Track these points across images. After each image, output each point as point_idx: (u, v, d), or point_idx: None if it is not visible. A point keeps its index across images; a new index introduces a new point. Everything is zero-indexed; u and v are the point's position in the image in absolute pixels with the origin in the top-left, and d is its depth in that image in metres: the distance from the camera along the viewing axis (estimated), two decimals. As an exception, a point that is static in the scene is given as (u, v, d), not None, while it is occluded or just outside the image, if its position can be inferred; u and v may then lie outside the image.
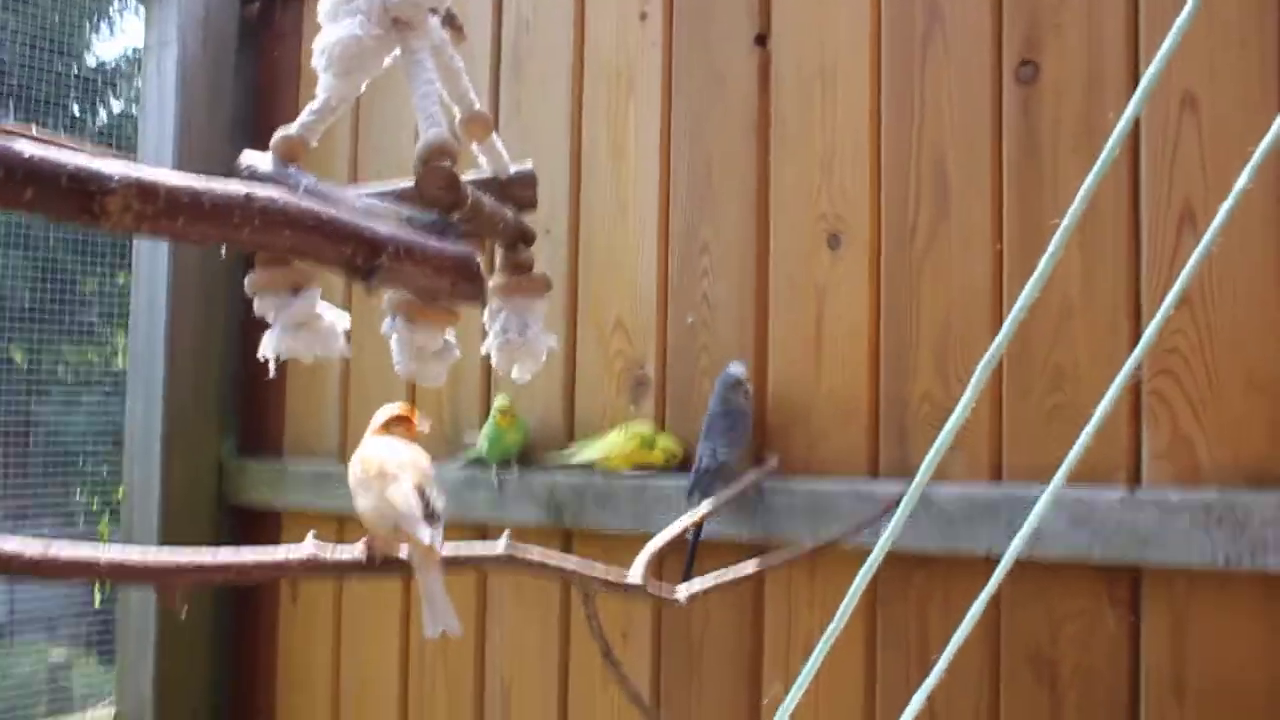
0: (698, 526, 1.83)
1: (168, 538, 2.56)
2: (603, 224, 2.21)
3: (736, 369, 1.88)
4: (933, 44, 1.88)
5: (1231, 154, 1.62)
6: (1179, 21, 1.12)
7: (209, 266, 2.63)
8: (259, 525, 2.68)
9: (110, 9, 3.00)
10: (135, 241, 2.70)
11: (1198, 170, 1.65)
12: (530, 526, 2.17)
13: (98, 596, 3.10)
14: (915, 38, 1.90)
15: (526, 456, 2.19)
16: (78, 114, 3.45)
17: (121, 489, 2.67)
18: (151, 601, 2.52)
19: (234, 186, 0.74)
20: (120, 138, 2.69)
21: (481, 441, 2.17)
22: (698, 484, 1.88)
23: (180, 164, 2.57)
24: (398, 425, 1.36)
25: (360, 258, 0.80)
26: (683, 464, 2.01)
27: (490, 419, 2.14)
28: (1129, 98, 1.63)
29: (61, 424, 2.69)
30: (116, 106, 3.77)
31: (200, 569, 1.12)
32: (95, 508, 2.92)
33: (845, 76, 1.97)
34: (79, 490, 2.99)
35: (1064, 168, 1.76)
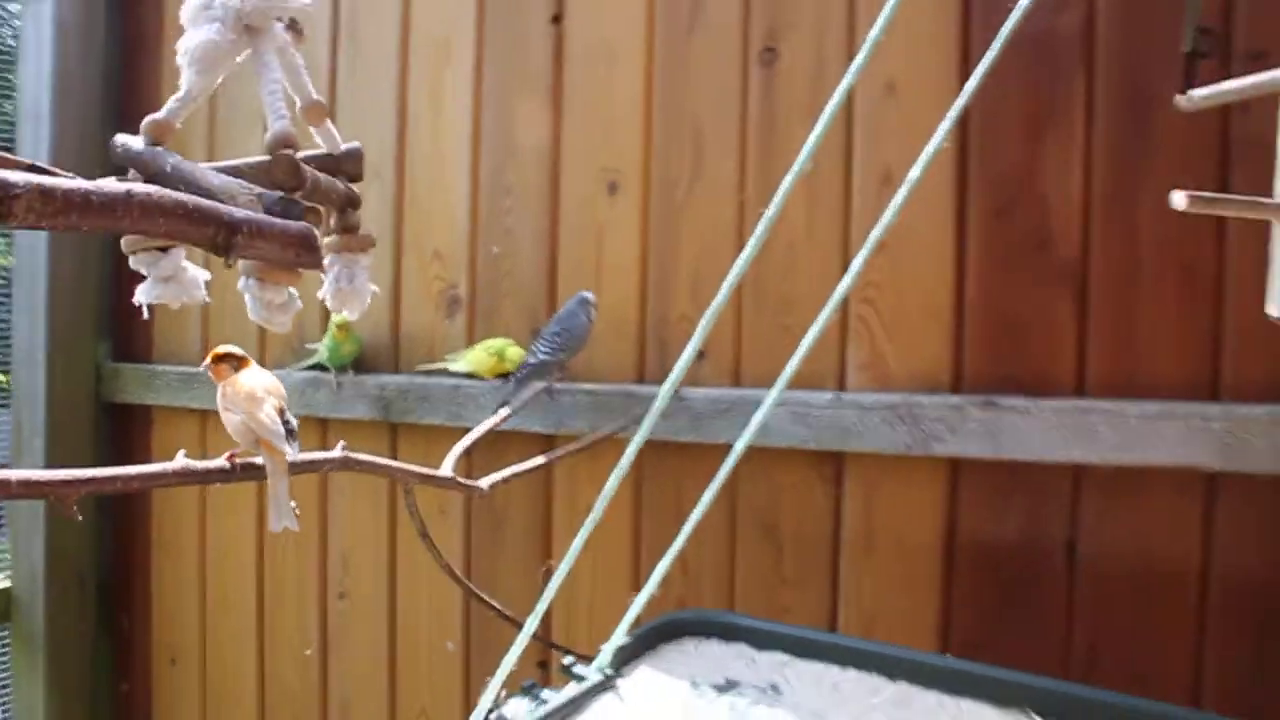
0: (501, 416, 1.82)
1: (52, 432, 2.47)
2: (424, 170, 2.17)
3: (590, 295, 1.85)
4: (695, 31, 1.89)
5: (921, 129, 1.69)
6: (880, 19, 1.21)
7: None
8: (132, 420, 2.60)
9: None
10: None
11: (895, 141, 1.72)
12: (364, 420, 2.16)
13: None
14: (681, 25, 1.91)
15: (360, 363, 2.17)
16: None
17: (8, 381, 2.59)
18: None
19: (117, 185, 0.76)
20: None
21: (322, 350, 2.14)
22: (519, 377, 1.85)
23: (56, 109, 2.46)
24: (227, 360, 1.36)
25: (220, 236, 0.83)
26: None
27: (329, 331, 2.12)
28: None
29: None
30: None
31: (94, 480, 1.13)
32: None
33: (625, 54, 1.96)
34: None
35: (795, 136, 1.80)
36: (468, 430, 1.82)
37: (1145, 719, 1.21)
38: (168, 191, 0.84)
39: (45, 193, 0.72)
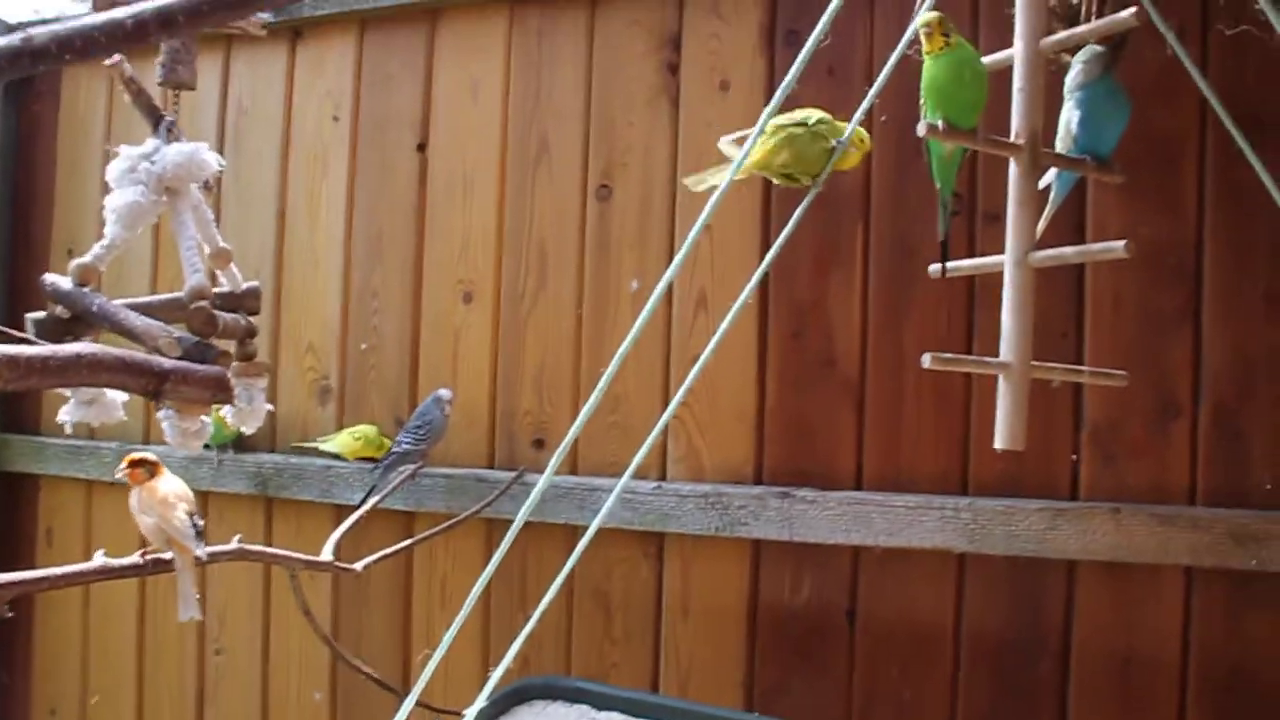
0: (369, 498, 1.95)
1: None
2: (300, 270, 2.27)
3: (445, 393, 1.98)
4: (541, 165, 2.05)
5: (731, 262, 1.90)
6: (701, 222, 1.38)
7: None
8: (21, 488, 2.60)
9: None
10: None
11: (709, 270, 1.90)
12: (243, 494, 2.24)
13: None
14: (530, 160, 2.06)
15: (239, 443, 2.24)
16: None
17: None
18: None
19: (69, 349, 0.89)
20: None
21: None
22: (385, 464, 1.97)
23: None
24: (142, 466, 1.46)
25: (152, 385, 0.96)
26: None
27: (212, 415, 2.21)
28: (670, 217, 1.93)
29: None
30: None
31: (24, 583, 1.24)
32: None
33: (480, 182, 2.10)
34: None
35: (626, 260, 1.97)
36: (337, 506, 1.95)
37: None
38: (110, 350, 0.97)
39: (13, 361, 0.86)
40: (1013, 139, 1.31)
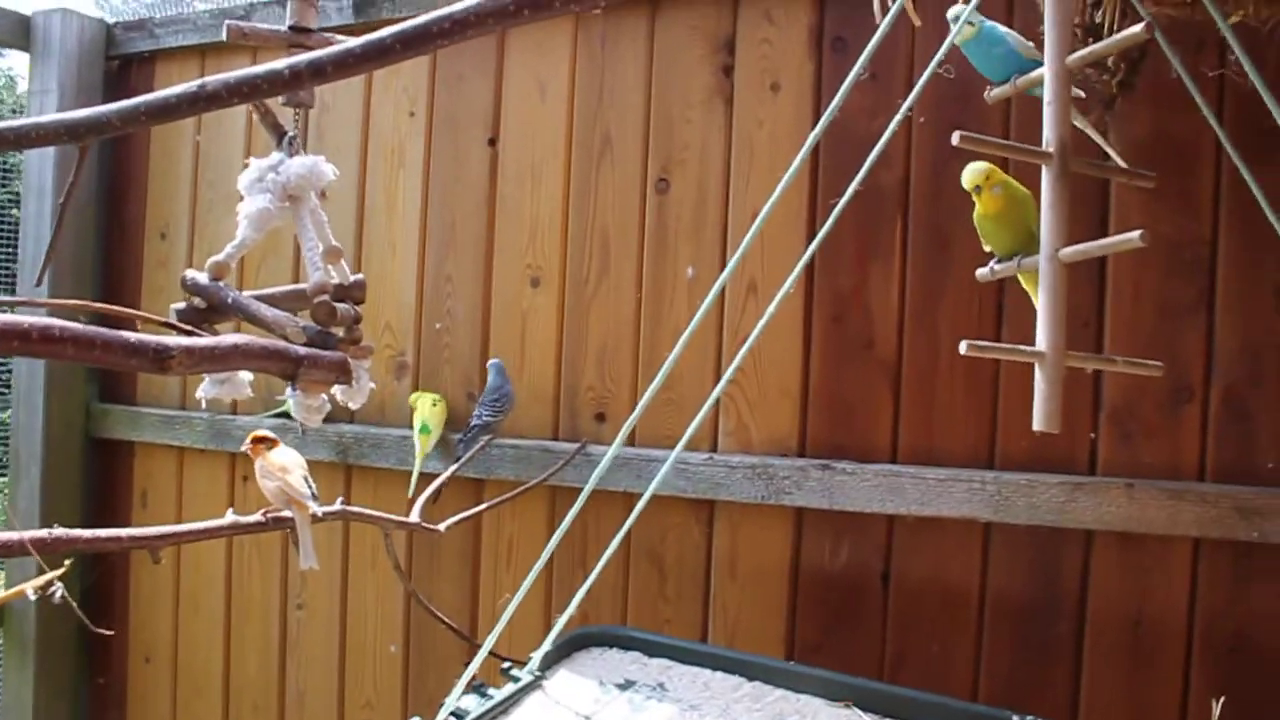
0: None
1: (47, 462, 2.68)
2: (379, 255, 2.42)
3: (498, 361, 2.15)
4: (604, 160, 2.19)
5: (779, 249, 2.03)
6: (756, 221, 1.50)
7: (79, 252, 2.73)
8: (117, 454, 2.79)
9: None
10: (21, 229, 2.77)
11: (758, 258, 2.04)
12: (324, 462, 2.40)
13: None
14: (593, 154, 2.20)
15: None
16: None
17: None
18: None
19: (227, 339, 1.05)
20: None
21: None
22: (466, 436, 2.13)
23: (57, 184, 2.68)
24: (262, 441, 1.63)
25: (289, 369, 1.13)
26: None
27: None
28: (724, 210, 2.06)
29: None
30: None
31: (176, 535, 1.40)
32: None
33: (547, 174, 2.24)
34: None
35: (682, 249, 2.11)
36: (410, 473, 2.11)
37: (935, 710, 1.52)
38: (257, 339, 1.15)
39: (189, 350, 1.03)
40: (1044, 147, 1.44)
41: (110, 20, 2.82)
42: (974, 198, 1.44)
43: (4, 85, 3.05)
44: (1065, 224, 1.45)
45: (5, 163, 2.91)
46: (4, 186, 2.87)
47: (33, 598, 1.11)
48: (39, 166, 2.71)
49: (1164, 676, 1.76)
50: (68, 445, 2.75)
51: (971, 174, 1.43)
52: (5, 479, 2.78)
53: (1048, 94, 1.45)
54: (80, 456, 2.79)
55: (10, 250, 2.82)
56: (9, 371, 2.75)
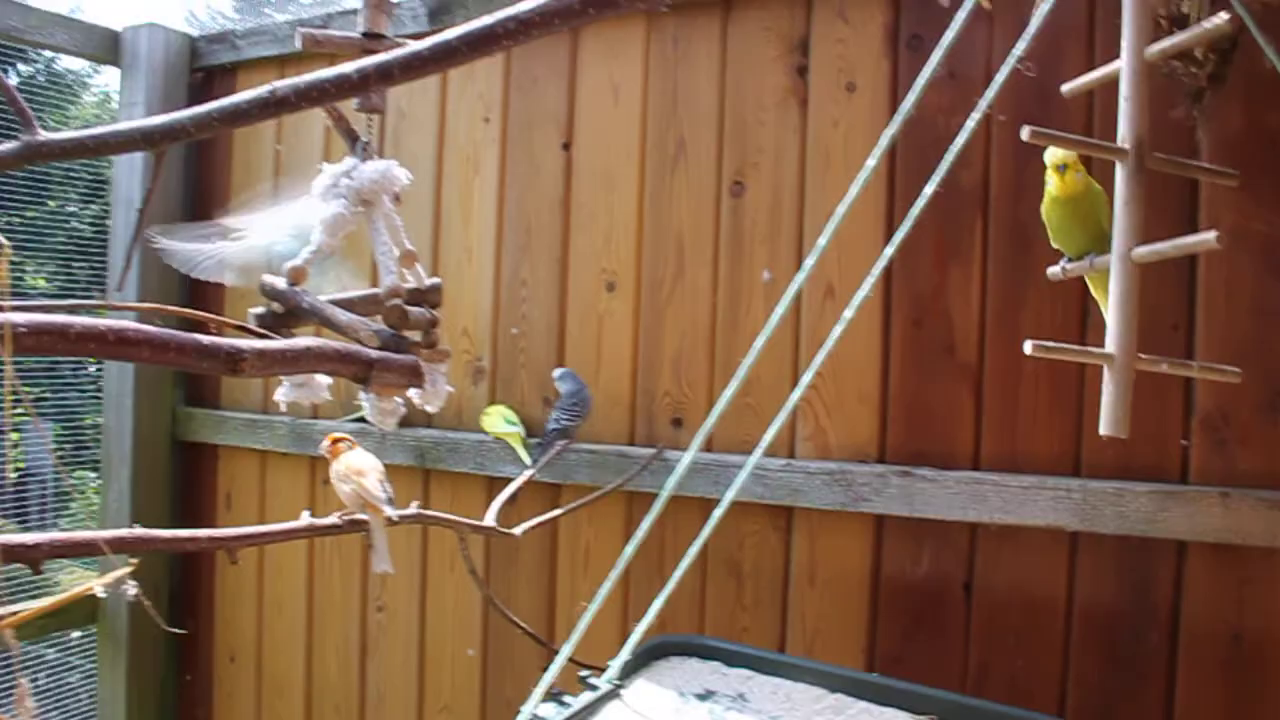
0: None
1: (136, 464, 2.74)
2: (456, 261, 2.42)
3: (568, 369, 2.17)
4: (678, 163, 2.17)
5: (856, 252, 1.98)
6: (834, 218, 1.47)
7: (169, 269, 2.78)
8: (202, 457, 2.85)
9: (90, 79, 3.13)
10: (111, 238, 2.83)
11: (835, 262, 2.01)
12: (402, 466, 2.41)
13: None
14: (668, 157, 2.18)
15: (401, 419, 2.43)
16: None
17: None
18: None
19: (300, 342, 1.06)
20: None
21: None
22: (544, 440, 2.13)
23: (145, 187, 2.73)
24: (340, 443, 1.64)
25: (362, 372, 1.13)
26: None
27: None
28: (799, 213, 2.03)
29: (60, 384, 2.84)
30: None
31: (255, 536, 1.42)
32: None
33: (621, 178, 2.23)
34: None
35: (758, 252, 2.09)
36: (489, 478, 2.11)
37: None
38: (330, 343, 1.15)
39: (262, 354, 1.03)
40: (1119, 143, 1.39)
41: (195, 34, 2.86)
42: (1054, 176, 1.40)
43: (99, 101, 3.11)
44: (1140, 223, 1.40)
45: (100, 175, 2.97)
46: (100, 198, 2.94)
47: (101, 595, 1.12)
48: (127, 179, 2.77)
49: (1268, 693, 1.69)
50: (155, 448, 2.81)
51: (1058, 152, 1.39)
52: (99, 481, 2.84)
53: (1124, 88, 1.40)
54: (167, 459, 2.85)
55: (105, 259, 2.88)
56: (100, 373, 2.81)
